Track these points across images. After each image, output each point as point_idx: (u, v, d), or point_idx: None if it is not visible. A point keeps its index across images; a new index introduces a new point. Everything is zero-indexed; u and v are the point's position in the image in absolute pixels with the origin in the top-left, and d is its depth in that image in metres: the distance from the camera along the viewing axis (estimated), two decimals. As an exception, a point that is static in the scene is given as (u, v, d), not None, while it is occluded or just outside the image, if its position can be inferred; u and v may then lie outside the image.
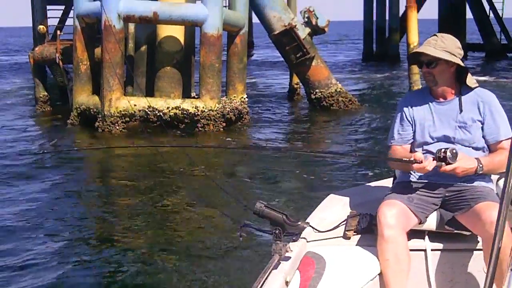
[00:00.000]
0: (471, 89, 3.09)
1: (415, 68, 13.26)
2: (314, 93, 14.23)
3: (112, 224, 6.56)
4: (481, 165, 2.92)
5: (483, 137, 3.06)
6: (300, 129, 12.52)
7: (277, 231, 2.58)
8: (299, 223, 2.76)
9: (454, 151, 2.84)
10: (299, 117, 14.16)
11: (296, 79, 15.62)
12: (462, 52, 3.09)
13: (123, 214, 6.89)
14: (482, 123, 3.05)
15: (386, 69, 23.83)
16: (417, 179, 3.07)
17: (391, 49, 28.27)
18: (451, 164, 2.83)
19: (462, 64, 3.06)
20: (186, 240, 5.92)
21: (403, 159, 2.96)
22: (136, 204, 7.12)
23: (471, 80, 3.09)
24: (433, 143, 3.09)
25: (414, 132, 3.16)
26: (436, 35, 3.11)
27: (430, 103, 3.13)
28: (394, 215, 2.87)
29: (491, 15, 31.61)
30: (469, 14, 31.85)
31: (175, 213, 6.80)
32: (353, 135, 11.39)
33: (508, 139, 3.03)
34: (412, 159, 2.87)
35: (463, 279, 3.01)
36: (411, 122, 3.16)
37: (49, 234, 6.09)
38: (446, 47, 3.03)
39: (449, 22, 30.85)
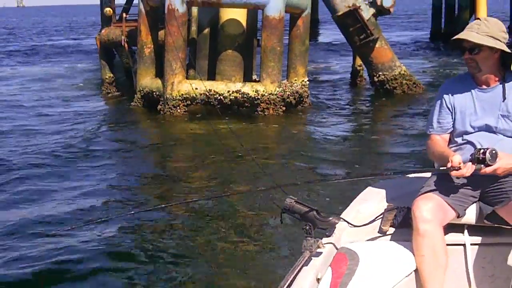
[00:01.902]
0: None
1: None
2: (377, 75, 13.95)
3: (159, 192, 6.97)
4: None
5: None
6: (360, 114, 12.32)
7: (307, 227, 2.56)
8: (330, 218, 2.72)
9: (493, 151, 2.72)
10: (360, 101, 13.94)
11: (359, 61, 15.32)
12: (507, 36, 2.92)
13: (174, 188, 7.25)
14: None
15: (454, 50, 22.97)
16: None
17: (460, 28, 27.23)
18: (491, 165, 2.72)
19: (506, 49, 2.88)
20: (222, 224, 6.00)
21: (441, 168, 2.86)
22: (190, 182, 7.47)
23: None
24: (474, 132, 2.96)
25: (454, 120, 3.02)
26: (479, 19, 2.95)
27: (472, 90, 2.99)
28: (430, 209, 2.78)
29: None
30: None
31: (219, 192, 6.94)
32: (411, 122, 11.06)
33: None
34: (449, 166, 2.75)
35: (504, 274, 2.90)
36: (451, 110, 3.03)
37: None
38: (489, 32, 2.87)
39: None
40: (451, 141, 3.06)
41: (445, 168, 2.79)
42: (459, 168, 2.73)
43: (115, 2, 16.91)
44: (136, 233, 5.77)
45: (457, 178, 2.88)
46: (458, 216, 2.90)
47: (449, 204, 2.86)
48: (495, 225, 2.90)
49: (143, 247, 5.43)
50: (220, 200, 6.59)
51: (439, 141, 3.05)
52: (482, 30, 2.88)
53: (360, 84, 15.39)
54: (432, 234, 2.74)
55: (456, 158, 2.78)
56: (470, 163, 2.74)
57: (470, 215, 2.92)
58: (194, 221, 6.10)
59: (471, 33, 2.89)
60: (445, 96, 3.05)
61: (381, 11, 13.58)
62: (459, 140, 3.00)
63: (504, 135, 2.91)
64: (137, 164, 8.55)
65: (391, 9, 13.71)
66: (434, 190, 2.89)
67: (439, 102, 3.07)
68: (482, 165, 2.73)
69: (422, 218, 2.75)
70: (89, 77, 18.21)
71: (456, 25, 27.42)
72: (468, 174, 2.74)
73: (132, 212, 6.22)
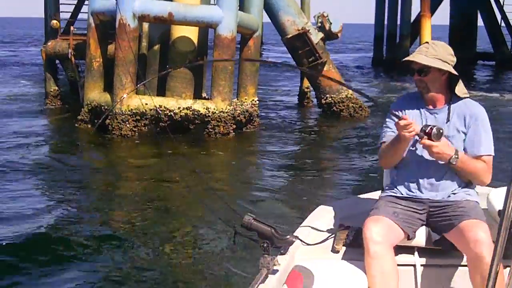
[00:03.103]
0: (461, 98, 3.06)
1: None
2: (325, 98, 14.22)
3: (111, 223, 6.68)
4: (456, 156, 2.91)
5: (464, 149, 3.02)
6: (308, 136, 12.48)
7: (265, 245, 2.57)
8: (288, 236, 2.74)
9: (440, 130, 2.85)
10: (308, 123, 14.16)
11: (306, 83, 15.60)
12: (454, 59, 3.05)
13: (124, 216, 6.98)
14: (465, 134, 3.02)
15: (395, 75, 23.77)
16: (401, 194, 3.07)
17: (401, 55, 28.20)
18: (432, 141, 2.85)
19: (454, 71, 3.02)
20: (179, 245, 5.95)
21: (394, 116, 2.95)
22: (137, 207, 7.22)
23: (461, 89, 3.05)
24: (419, 149, 3.05)
25: None
26: (427, 43, 3.08)
27: (421, 109, 3.11)
28: (380, 231, 2.85)
29: (503, 23, 31.44)
30: (480, 22, 31.72)
31: (174, 217, 6.86)
32: (356, 145, 11.29)
33: (488, 155, 3.01)
34: (398, 121, 2.87)
35: None
36: None
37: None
38: (437, 55, 3.00)
39: (460, 30, 30.86)
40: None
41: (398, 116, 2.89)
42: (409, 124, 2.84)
43: (60, 16, 16.65)
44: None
45: (401, 194, 3.04)
46: (408, 238, 2.98)
47: (398, 226, 2.94)
48: (443, 249, 3.02)
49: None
50: (169, 221, 6.53)
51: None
52: (430, 53, 2.99)
53: (307, 106, 15.62)
54: (382, 256, 2.79)
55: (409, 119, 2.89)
56: (420, 127, 2.88)
57: (420, 238, 3.02)
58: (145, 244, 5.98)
59: (420, 56, 3.01)
60: (396, 113, 3.14)
61: (329, 35, 13.90)
62: (405, 154, 3.09)
63: None
64: (76, 190, 7.98)
65: (339, 34, 14.07)
66: (383, 212, 2.97)
67: (390, 119, 3.15)
68: (425, 136, 2.86)
69: (372, 240, 2.81)
70: (32, 90, 17.68)
71: (397, 53, 28.41)
72: (411, 131, 2.85)
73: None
